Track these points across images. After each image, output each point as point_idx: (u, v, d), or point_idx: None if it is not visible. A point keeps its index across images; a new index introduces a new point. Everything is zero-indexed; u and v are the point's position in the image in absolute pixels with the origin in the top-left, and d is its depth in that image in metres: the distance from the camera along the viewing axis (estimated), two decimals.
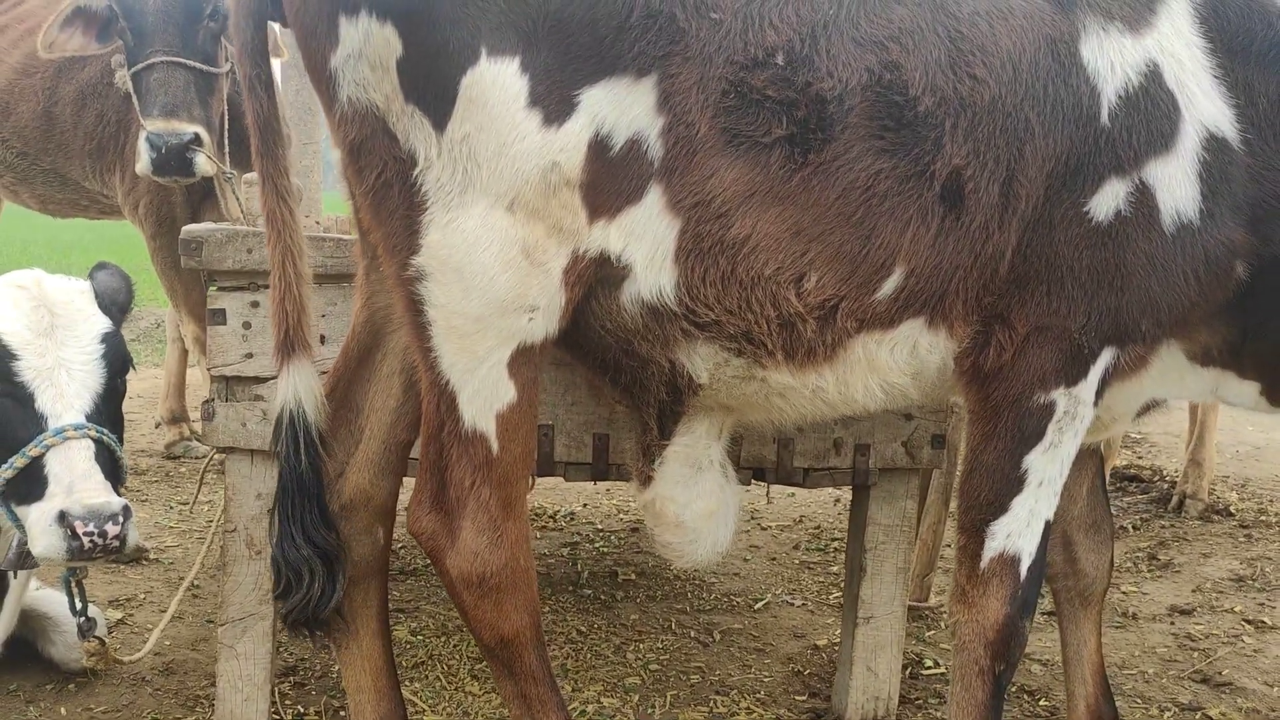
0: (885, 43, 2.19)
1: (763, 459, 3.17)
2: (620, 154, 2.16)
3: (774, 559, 5.01)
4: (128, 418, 3.25)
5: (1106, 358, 2.37)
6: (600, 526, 5.40)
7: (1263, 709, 3.35)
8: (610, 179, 2.17)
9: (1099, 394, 2.41)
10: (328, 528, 2.47)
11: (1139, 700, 3.45)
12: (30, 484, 2.47)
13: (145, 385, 7.35)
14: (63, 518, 2.39)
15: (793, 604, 4.43)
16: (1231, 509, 4.99)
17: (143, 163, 4.27)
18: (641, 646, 3.95)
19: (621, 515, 5.59)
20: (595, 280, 2.25)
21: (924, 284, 2.27)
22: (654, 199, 2.18)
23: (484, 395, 2.26)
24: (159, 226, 5.06)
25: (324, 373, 2.69)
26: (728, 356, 2.32)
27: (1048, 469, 2.38)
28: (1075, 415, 2.37)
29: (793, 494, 5.93)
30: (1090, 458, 2.88)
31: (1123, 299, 2.32)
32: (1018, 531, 2.39)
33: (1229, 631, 3.83)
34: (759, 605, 4.40)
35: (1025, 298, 2.32)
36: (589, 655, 3.83)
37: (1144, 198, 2.30)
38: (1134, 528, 4.93)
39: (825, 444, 3.19)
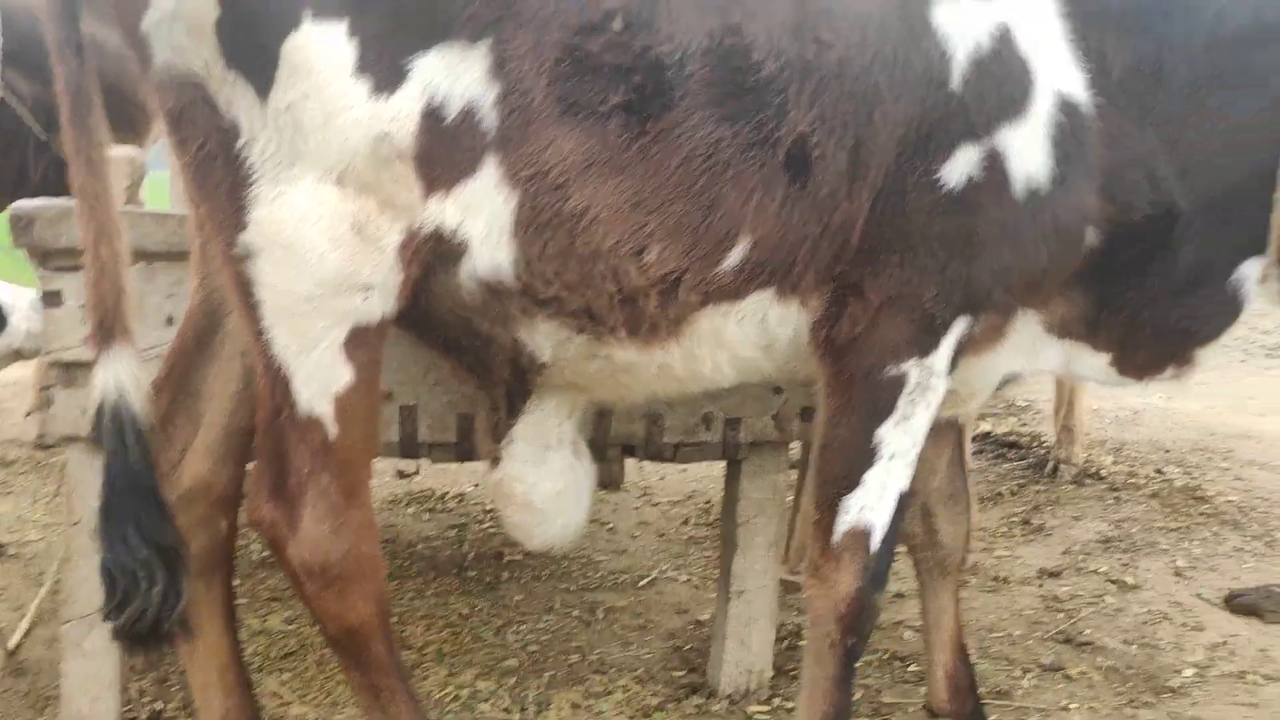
0: (728, 6, 2.13)
1: (631, 435, 3.14)
2: (454, 124, 2.07)
3: (662, 535, 5.00)
4: None
5: (960, 328, 2.37)
6: (490, 507, 5.32)
7: (1120, 666, 3.46)
8: (445, 150, 2.08)
9: (953, 365, 2.41)
10: (167, 523, 2.30)
11: (1004, 662, 3.53)
12: None
13: (17, 373, 7.01)
14: None
15: (678, 580, 4.43)
16: (1103, 473, 5.14)
17: None
18: (523, 628, 3.91)
19: None
20: (433, 257, 2.16)
21: (771, 255, 2.23)
22: (490, 171, 2.10)
23: (319, 378, 2.16)
24: None
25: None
26: (570, 334, 2.26)
27: (900, 442, 2.38)
28: (928, 387, 2.37)
29: (685, 469, 5.94)
30: (949, 430, 2.91)
31: (975, 267, 2.31)
32: (870, 505, 2.38)
33: (1093, 592, 3.94)
34: (644, 582, 4.39)
35: (878, 267, 2.30)
36: (468, 638, 3.77)
37: (996, 164, 2.28)
38: (1011, 493, 5.05)
39: (694, 419, 3.16)
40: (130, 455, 2.18)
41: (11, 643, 3.05)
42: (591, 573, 4.48)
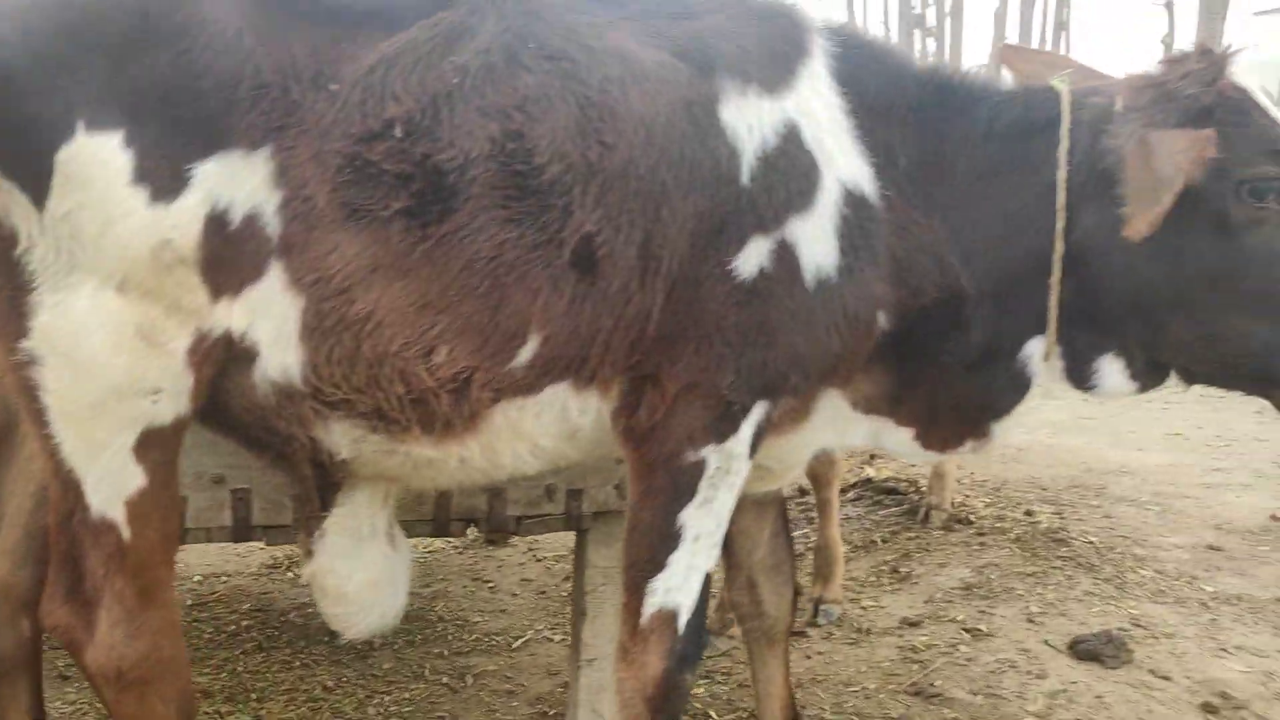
0: (510, 111, 2.18)
1: (474, 510, 3.16)
2: (239, 230, 2.09)
3: (543, 592, 5.00)
4: None
5: (758, 413, 2.43)
6: None
7: (964, 718, 3.54)
8: (230, 256, 2.10)
9: (755, 447, 2.48)
10: None
11: (856, 717, 3.59)
12: None
13: None
14: None
15: (553, 639, 4.43)
16: (973, 517, 5.27)
17: None
18: (387, 699, 3.88)
19: None
20: (225, 359, 2.17)
21: (564, 349, 2.27)
22: (275, 276, 2.12)
23: (110, 482, 2.15)
24: None
25: None
26: (364, 433, 2.28)
27: (704, 524, 2.43)
28: (729, 470, 2.43)
29: None
30: (771, 503, 2.97)
31: (770, 354, 2.38)
32: (676, 586, 2.43)
33: (948, 641, 4.03)
34: (518, 643, 4.38)
35: (674, 356, 2.35)
36: (327, 714, 3.73)
37: (786, 255, 2.36)
38: (883, 540, 5.15)
39: (537, 491, 3.20)
40: None
41: None
42: (466, 635, 4.47)
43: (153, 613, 2.23)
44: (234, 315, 2.13)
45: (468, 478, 2.43)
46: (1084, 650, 3.82)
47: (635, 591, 2.43)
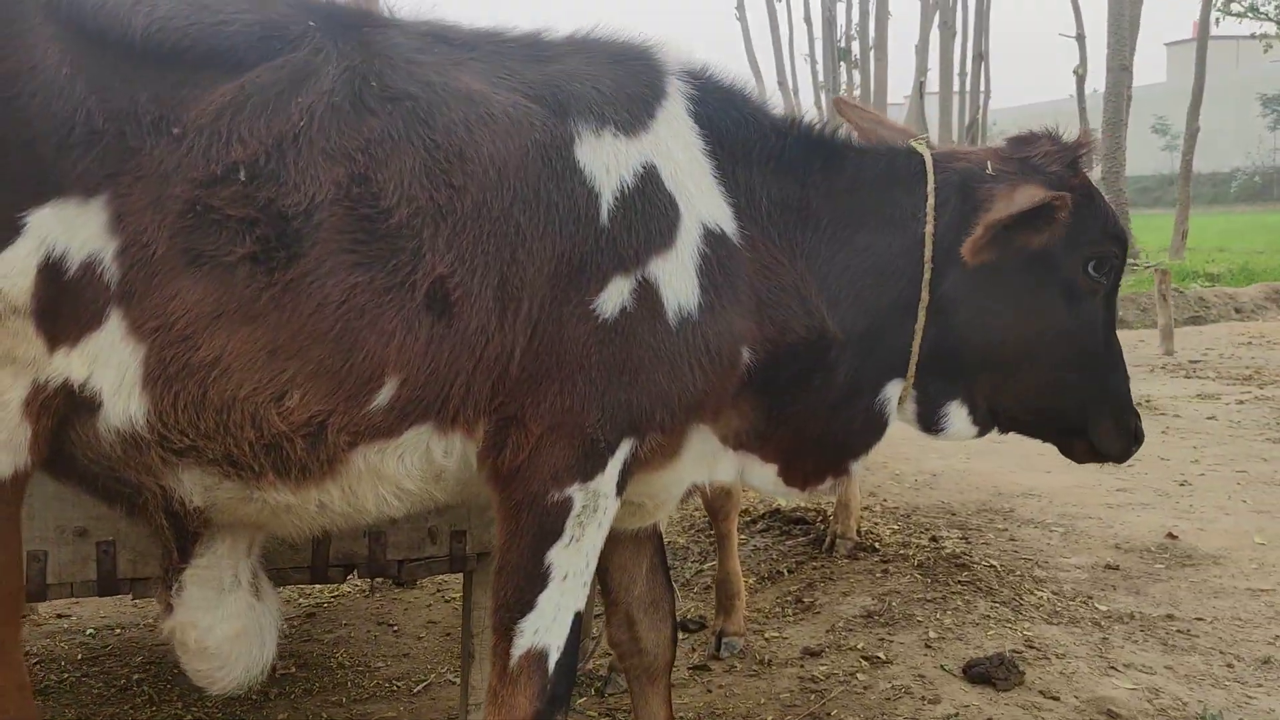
0: (354, 154, 2.18)
1: (353, 554, 3.11)
2: (75, 278, 2.05)
3: (449, 634, 4.92)
4: None
5: (625, 450, 2.43)
6: None
7: None
8: (67, 304, 2.05)
9: (622, 485, 2.48)
10: None
11: None
12: None
13: None
14: None
15: (454, 683, 4.35)
16: (878, 545, 5.32)
17: None
18: None
19: (300, 601, 5.37)
20: (66, 409, 2.12)
21: (423, 391, 2.26)
22: (115, 323, 2.08)
23: None
24: None
25: None
26: (217, 480, 2.24)
27: (572, 563, 2.42)
28: (596, 508, 2.43)
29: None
30: (647, 540, 2.97)
31: (634, 392, 2.39)
32: (544, 627, 2.41)
33: (847, 670, 4.05)
34: (419, 688, 4.31)
35: (538, 396, 2.35)
36: None
37: (647, 293, 2.39)
38: (789, 571, 5.17)
39: (419, 534, 3.16)
40: None
41: None
42: (366, 681, 4.37)
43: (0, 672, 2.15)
44: (73, 364, 2.08)
45: (330, 522, 2.39)
46: (976, 674, 3.86)
47: (504, 633, 2.41)
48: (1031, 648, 4.13)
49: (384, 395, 2.23)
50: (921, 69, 26.15)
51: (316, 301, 2.14)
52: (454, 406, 2.30)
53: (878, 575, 4.94)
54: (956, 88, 26.22)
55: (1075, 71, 23.04)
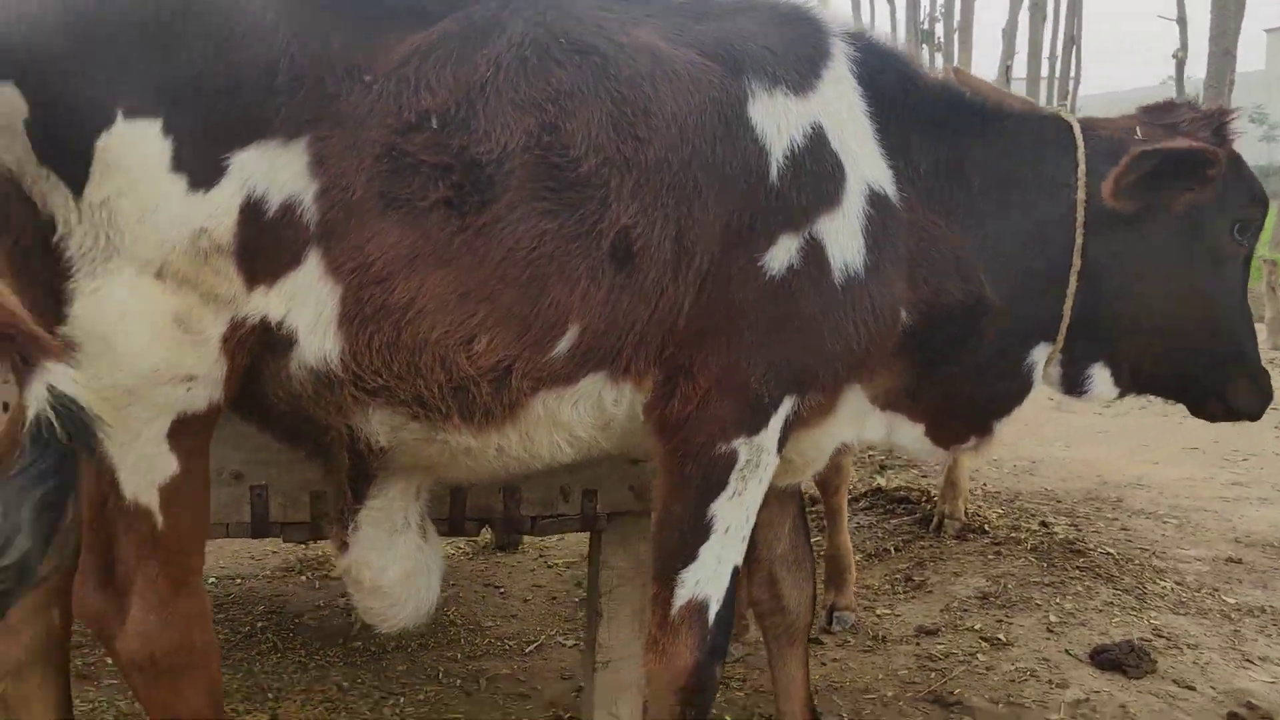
0: (544, 104, 2.20)
1: (489, 509, 3.14)
2: (275, 218, 2.10)
3: (555, 598, 4.99)
4: None
5: (787, 406, 2.44)
6: None
7: None
8: (267, 244, 2.10)
9: (783, 441, 2.49)
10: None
11: None
12: None
13: None
14: None
15: (565, 645, 4.42)
16: (986, 527, 5.25)
17: None
18: (402, 700, 3.86)
19: None
20: (261, 347, 2.18)
21: (601, 340, 2.29)
22: (313, 264, 2.13)
23: (144, 469, 2.15)
24: None
25: None
26: (404, 420, 2.28)
27: (734, 516, 2.44)
28: (758, 464, 2.44)
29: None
30: (791, 498, 2.98)
31: (799, 349, 2.40)
32: (706, 579, 2.43)
33: (967, 649, 4.01)
34: (531, 648, 4.37)
35: (706, 350, 2.37)
36: (343, 715, 3.72)
37: (814, 252, 2.39)
38: (896, 549, 5.13)
39: (552, 491, 3.19)
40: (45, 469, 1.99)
41: None
42: (479, 639, 4.45)
43: (185, 600, 2.22)
44: (271, 302, 2.14)
45: (504, 467, 2.43)
46: (1106, 660, 3.80)
47: (666, 583, 2.44)
48: (1161, 637, 4.05)
49: (565, 342, 2.26)
50: (1008, 53, 25.49)
51: (507, 247, 2.17)
52: (627, 356, 2.33)
53: (989, 557, 4.88)
54: (1044, 73, 25.57)
55: (1175, 55, 22.32)
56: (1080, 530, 5.49)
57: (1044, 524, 5.48)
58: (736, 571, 2.48)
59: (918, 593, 4.59)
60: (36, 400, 1.93)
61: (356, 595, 2.52)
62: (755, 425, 2.40)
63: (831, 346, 2.42)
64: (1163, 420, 7.88)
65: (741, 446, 2.40)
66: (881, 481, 6.06)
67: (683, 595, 2.43)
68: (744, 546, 2.49)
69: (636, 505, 3.24)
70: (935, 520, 5.24)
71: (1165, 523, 5.75)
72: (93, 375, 2.10)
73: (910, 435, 2.71)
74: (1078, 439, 7.90)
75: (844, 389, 2.58)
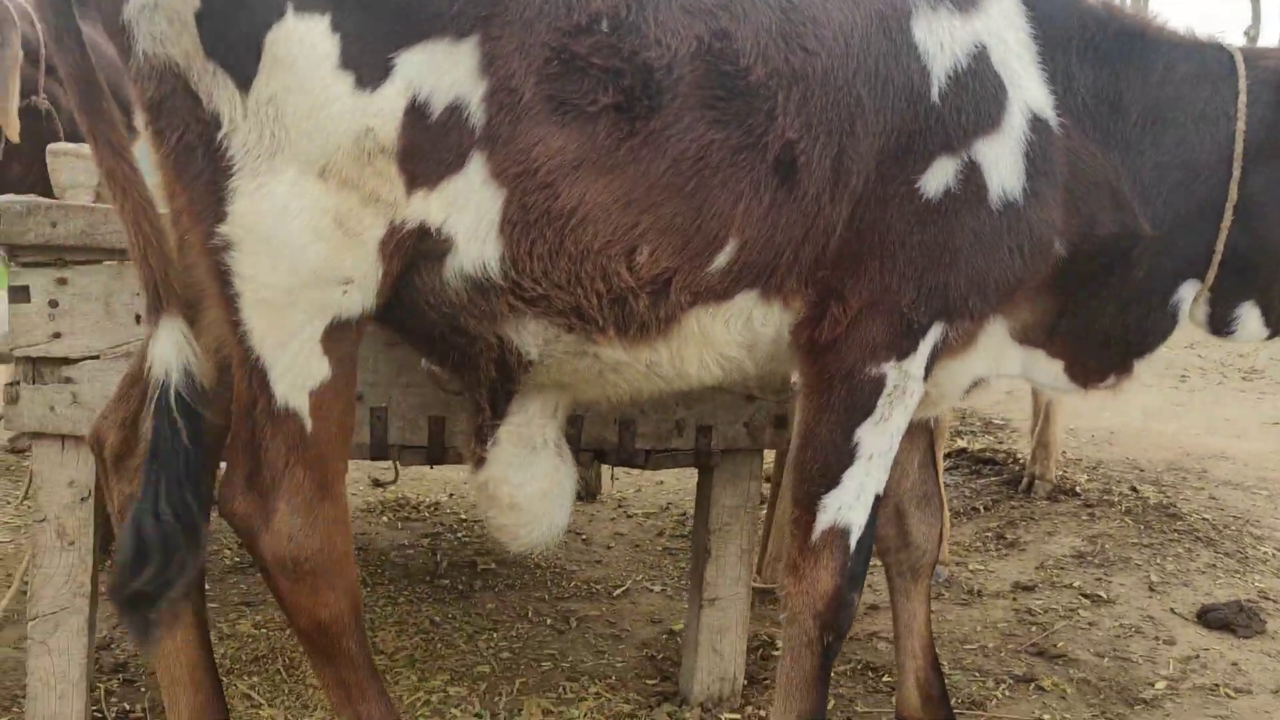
0: (715, 10, 2.15)
1: (604, 440, 3.13)
2: (440, 120, 2.07)
3: (638, 546, 4.99)
4: None
5: (936, 333, 2.39)
6: (465, 516, 5.30)
7: (1093, 679, 3.47)
8: (429, 146, 2.08)
9: (929, 369, 2.44)
10: (197, 499, 2.17)
11: (976, 673, 3.53)
12: None
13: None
14: None
15: (652, 590, 4.42)
16: (1078, 489, 5.17)
17: None
18: (495, 635, 3.88)
19: None
20: (416, 253, 2.16)
21: (757, 256, 2.25)
22: (476, 168, 2.10)
23: (296, 371, 2.15)
24: None
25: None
26: (558, 332, 2.26)
27: (878, 442, 2.40)
28: (905, 390, 2.39)
29: (661, 481, 5.94)
30: (921, 433, 2.93)
31: (952, 275, 2.35)
32: (848, 504, 2.40)
33: (1067, 606, 3.95)
34: (618, 592, 4.37)
35: (858, 272, 2.32)
36: (440, 645, 3.74)
37: (972, 176, 2.33)
38: (985, 508, 5.07)
39: (667, 425, 3.16)
40: (175, 429, 2.13)
41: None
42: (565, 582, 4.46)
43: (329, 505, 2.22)
44: (430, 207, 2.11)
45: (650, 385, 2.41)
46: (1215, 619, 3.73)
47: (808, 507, 2.40)
48: (1269, 599, 3.96)
49: (723, 257, 2.22)
50: None
51: (673, 156, 2.13)
52: (780, 275, 2.29)
53: (1083, 519, 4.80)
54: None
55: (1245, 33, 21.75)
56: (1170, 497, 5.39)
57: (1133, 489, 5.39)
58: (879, 501, 2.44)
59: (1011, 550, 4.53)
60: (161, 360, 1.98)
61: (491, 511, 2.50)
62: (905, 350, 2.36)
63: (985, 273, 2.36)
64: (1240, 395, 7.71)
65: (890, 370, 2.36)
66: (964, 443, 5.98)
67: (825, 520, 2.40)
68: (885, 476, 2.45)
69: (750, 443, 3.21)
70: (1025, 481, 5.17)
71: (1255, 494, 5.63)
72: (251, 275, 2.10)
73: (1048, 371, 2.65)
74: (1156, 412, 7.74)
75: (989, 319, 2.52)
